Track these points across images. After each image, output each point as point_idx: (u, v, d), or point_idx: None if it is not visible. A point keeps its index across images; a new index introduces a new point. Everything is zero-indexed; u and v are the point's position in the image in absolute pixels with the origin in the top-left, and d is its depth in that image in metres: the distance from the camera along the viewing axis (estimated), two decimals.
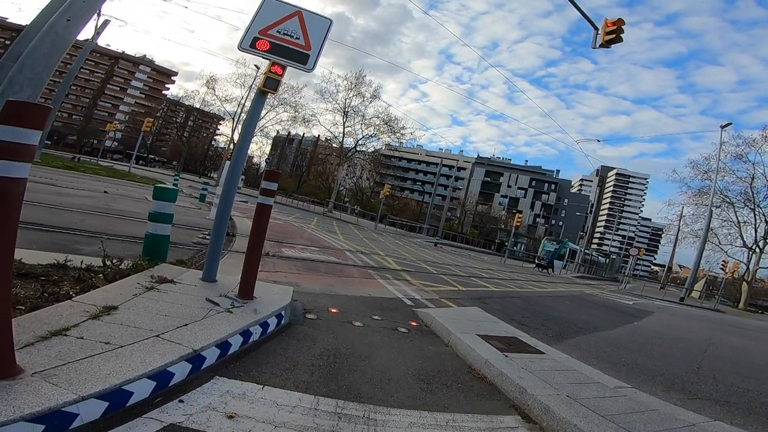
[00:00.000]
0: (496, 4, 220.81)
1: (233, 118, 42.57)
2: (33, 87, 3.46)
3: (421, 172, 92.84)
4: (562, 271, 33.78)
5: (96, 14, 24.12)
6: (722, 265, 29.36)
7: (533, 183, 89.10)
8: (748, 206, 34.16)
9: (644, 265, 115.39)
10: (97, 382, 1.93)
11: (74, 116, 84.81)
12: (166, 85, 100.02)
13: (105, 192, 11.78)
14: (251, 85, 37.33)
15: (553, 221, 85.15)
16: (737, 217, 34.74)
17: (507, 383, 3.23)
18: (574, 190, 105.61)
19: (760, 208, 33.58)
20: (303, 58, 4.14)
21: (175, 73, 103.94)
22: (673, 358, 5.95)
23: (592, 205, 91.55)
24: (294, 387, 2.62)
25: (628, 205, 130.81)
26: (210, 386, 2.42)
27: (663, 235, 50.28)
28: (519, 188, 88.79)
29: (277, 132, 58.49)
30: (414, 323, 4.89)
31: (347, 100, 40.16)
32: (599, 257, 60.76)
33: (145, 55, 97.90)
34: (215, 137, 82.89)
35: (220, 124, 77.62)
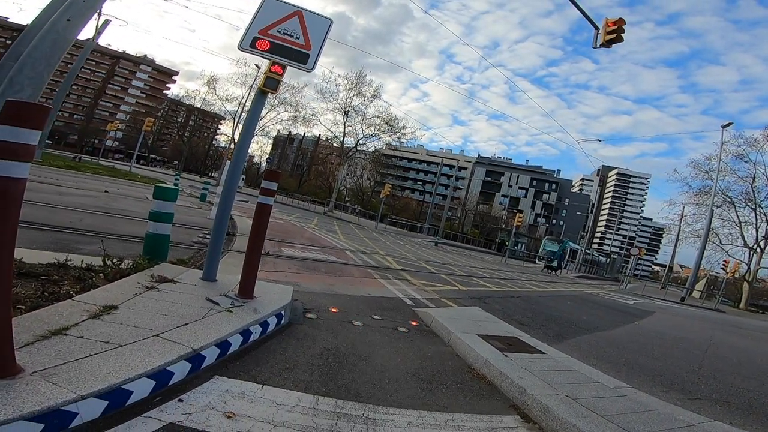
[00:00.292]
0: (497, 4, 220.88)
1: (234, 118, 42.58)
2: (34, 87, 3.47)
3: (421, 171, 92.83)
4: (561, 271, 33.74)
5: (96, 14, 24.15)
6: (723, 265, 29.32)
7: (534, 183, 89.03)
8: (749, 206, 34.11)
9: (645, 265, 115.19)
10: (96, 382, 1.94)
11: (75, 116, 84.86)
12: (167, 85, 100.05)
13: (106, 191, 11.80)
14: (252, 85, 37.31)
15: (554, 221, 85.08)
16: (738, 217, 34.69)
17: (506, 383, 3.23)
18: (575, 190, 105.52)
19: (761, 207, 33.52)
20: (303, 58, 4.15)
21: (176, 73, 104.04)
22: (674, 358, 5.94)
23: (593, 204, 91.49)
24: (293, 386, 2.63)
25: (629, 205, 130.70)
26: (209, 385, 2.43)
27: (664, 235, 50.26)
28: (520, 188, 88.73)
29: (278, 131, 58.55)
30: (414, 323, 4.90)
31: (348, 100, 40.13)
32: (600, 257, 60.77)
33: (146, 55, 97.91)
34: (216, 137, 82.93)
35: (221, 124, 77.65)
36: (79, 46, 27.70)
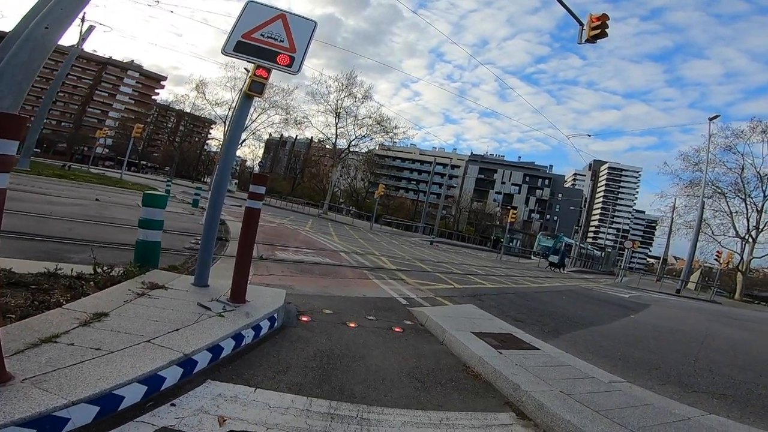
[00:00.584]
0: (485, 2, 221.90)
1: (225, 122, 42.39)
2: (14, 95, 3.42)
3: (415, 171, 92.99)
4: (566, 268, 33.86)
5: (79, 20, 23.97)
6: (717, 255, 29.55)
7: (527, 179, 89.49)
8: (739, 196, 34.48)
9: (639, 258, 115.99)
10: (87, 387, 1.95)
11: (63, 123, 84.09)
12: (156, 90, 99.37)
13: (96, 200, 11.70)
14: (242, 88, 37.15)
15: (548, 216, 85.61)
16: (729, 207, 35.06)
17: (501, 380, 3.24)
18: (567, 185, 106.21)
19: (751, 198, 33.91)
20: (288, 61, 4.13)
21: (164, 78, 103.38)
22: (670, 351, 5.96)
23: (586, 199, 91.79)
24: (287, 389, 2.62)
25: (622, 198, 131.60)
26: (202, 390, 2.42)
27: (657, 227, 50.50)
28: (513, 184, 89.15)
29: (270, 135, 58.42)
30: (409, 322, 4.90)
31: (339, 101, 40.01)
32: (595, 251, 61.07)
33: (132, 60, 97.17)
34: (207, 141, 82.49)
35: (212, 128, 77.34)
36: (64, 52, 27.50)
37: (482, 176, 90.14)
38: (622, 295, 15.45)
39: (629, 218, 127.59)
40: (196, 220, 11.39)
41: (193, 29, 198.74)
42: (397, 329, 4.50)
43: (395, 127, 41.14)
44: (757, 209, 33.60)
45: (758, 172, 33.08)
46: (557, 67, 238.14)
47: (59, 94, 75.40)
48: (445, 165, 66.53)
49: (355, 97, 40.05)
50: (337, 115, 40.11)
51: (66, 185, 15.44)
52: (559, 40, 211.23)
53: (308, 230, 16.83)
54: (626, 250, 36.29)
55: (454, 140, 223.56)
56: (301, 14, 4.32)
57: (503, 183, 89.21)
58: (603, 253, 60.37)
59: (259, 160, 66.72)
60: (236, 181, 57.33)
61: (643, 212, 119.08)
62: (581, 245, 46.18)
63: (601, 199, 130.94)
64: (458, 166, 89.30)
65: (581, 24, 10.65)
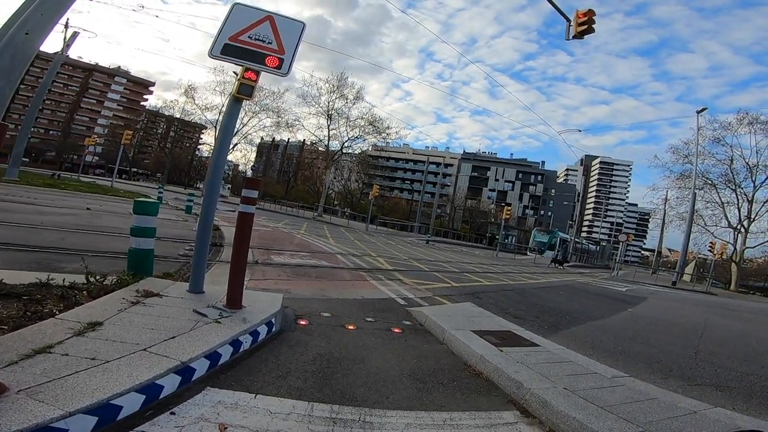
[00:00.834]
0: (472, 0, 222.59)
1: (215, 127, 42.18)
2: None
3: (409, 170, 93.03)
4: (567, 263, 33.99)
5: (63, 27, 23.72)
6: (710, 246, 29.81)
7: (520, 175, 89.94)
8: (729, 187, 34.89)
9: (634, 251, 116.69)
10: (84, 398, 1.92)
11: (51, 131, 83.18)
12: (144, 96, 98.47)
13: (87, 209, 11.55)
14: (231, 92, 36.95)
15: (542, 212, 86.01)
16: (720, 198, 35.45)
17: (503, 378, 3.22)
18: (560, 181, 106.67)
19: (741, 188, 34.32)
20: (277, 63, 4.09)
21: (153, 84, 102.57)
22: (670, 344, 5.97)
23: (579, 194, 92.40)
24: (287, 394, 2.58)
25: (614, 192, 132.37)
26: (201, 397, 2.38)
27: (650, 220, 50.88)
28: (506, 181, 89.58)
29: (262, 138, 58.12)
30: (408, 322, 4.87)
31: (330, 103, 39.92)
32: (590, 245, 61.39)
33: (119, 67, 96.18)
34: (198, 147, 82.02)
35: (203, 133, 76.93)
36: (49, 59, 27.20)
37: (475, 174, 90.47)
38: (619, 289, 15.54)
39: (622, 212, 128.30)
40: (190, 227, 11.29)
41: (180, 34, 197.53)
42: (396, 330, 4.47)
43: (388, 128, 41.12)
44: (747, 199, 34.01)
45: (747, 163, 33.54)
46: (546, 63, 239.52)
47: (46, 101, 74.73)
48: (438, 164, 66.79)
49: (347, 99, 40.03)
50: (329, 117, 40.05)
51: (56, 195, 15.26)
52: (547, 36, 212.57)
53: (303, 233, 16.76)
54: (621, 243, 36.54)
55: (446, 139, 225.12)
56: (289, 16, 4.29)
57: (496, 180, 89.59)
58: (598, 247, 60.70)
59: (252, 164, 66.56)
60: (229, 186, 57.08)
61: (636, 205, 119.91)
62: (576, 240, 46.37)
63: (593, 194, 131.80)
64: (451, 165, 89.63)
65: (568, 20, 10.72)
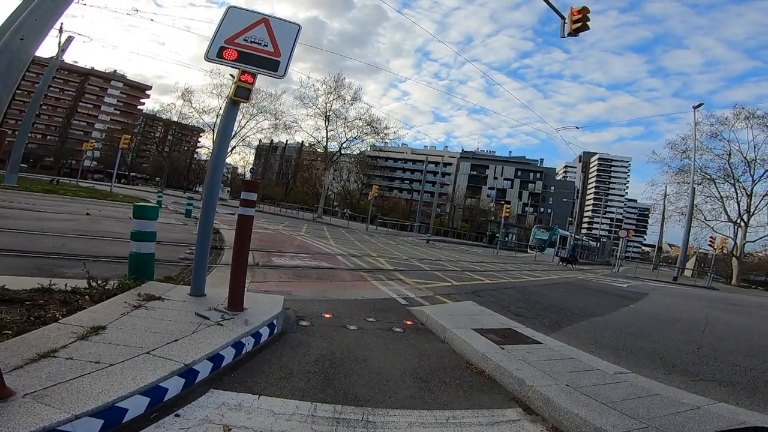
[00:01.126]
0: None
1: (213, 130, 42.15)
2: None
3: (408, 170, 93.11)
4: (554, 258, 34.03)
5: (58, 31, 23.69)
6: (710, 241, 29.84)
7: (519, 173, 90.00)
8: (728, 182, 34.92)
9: (635, 247, 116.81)
10: (89, 401, 1.93)
11: (49, 137, 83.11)
12: (141, 100, 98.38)
13: (87, 214, 11.56)
14: (228, 95, 36.92)
15: (542, 209, 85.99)
16: (719, 193, 35.51)
17: (505, 376, 3.22)
18: (559, 178, 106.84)
19: (740, 182, 34.35)
20: (273, 65, 4.10)
21: (149, 87, 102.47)
22: (672, 340, 5.97)
23: (578, 190, 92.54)
24: (290, 395, 2.59)
25: (613, 188, 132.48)
26: (205, 399, 2.39)
27: (650, 215, 50.91)
28: (505, 179, 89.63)
29: (260, 141, 58.09)
30: (409, 322, 4.88)
31: (328, 104, 39.85)
32: (590, 242, 61.38)
33: (115, 71, 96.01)
34: (197, 150, 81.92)
35: (201, 137, 76.78)
36: (44, 64, 27.20)
37: (474, 173, 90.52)
38: (620, 285, 15.55)
39: (622, 207, 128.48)
40: (190, 230, 11.30)
41: (175, 37, 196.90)
42: (397, 330, 4.48)
43: (386, 128, 41.05)
44: (746, 193, 34.04)
45: (745, 157, 33.58)
46: (542, 61, 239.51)
47: (42, 107, 74.58)
48: (437, 163, 66.70)
49: (344, 100, 39.98)
50: (327, 118, 40.01)
51: (55, 200, 15.27)
52: (542, 34, 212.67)
53: (304, 235, 16.78)
54: (621, 239, 36.55)
55: (444, 138, 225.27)
56: (284, 18, 4.30)
57: (495, 178, 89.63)
58: (598, 244, 60.68)
59: (251, 166, 66.51)
60: (228, 189, 57.03)
61: (635, 201, 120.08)
62: (576, 236, 46.39)
63: (593, 190, 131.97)
64: (450, 164, 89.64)
65: (563, 18, 10.78)
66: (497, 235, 41.92)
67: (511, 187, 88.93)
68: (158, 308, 3.50)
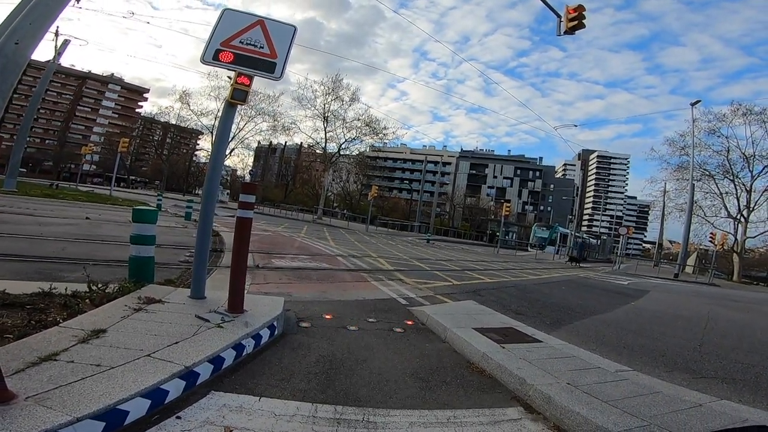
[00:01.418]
0: None
1: (211, 132, 42.17)
2: None
3: (407, 170, 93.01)
4: (555, 256, 34.04)
5: (54, 35, 23.70)
6: (711, 237, 29.84)
7: (518, 172, 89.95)
8: (727, 177, 35.00)
9: (635, 244, 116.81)
10: (91, 404, 1.94)
11: (48, 141, 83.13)
12: (139, 103, 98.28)
13: (87, 218, 11.55)
14: (226, 98, 36.92)
15: (542, 207, 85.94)
16: (719, 189, 35.54)
17: (506, 375, 3.23)
18: (558, 176, 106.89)
19: (739, 178, 34.39)
20: (269, 67, 4.10)
21: (147, 90, 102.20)
22: (674, 337, 5.97)
23: (578, 188, 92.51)
24: (291, 396, 2.60)
25: (613, 186, 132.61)
26: (206, 401, 2.40)
27: (650, 212, 50.96)
28: (505, 178, 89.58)
29: (259, 143, 58.11)
30: (410, 322, 4.89)
31: (326, 105, 39.76)
32: (591, 239, 61.32)
33: (113, 74, 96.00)
34: (196, 153, 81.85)
35: (200, 139, 76.73)
36: (41, 68, 27.20)
37: (474, 172, 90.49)
38: (621, 283, 15.56)
39: (622, 205, 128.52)
40: (190, 233, 11.30)
41: (172, 40, 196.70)
42: (398, 330, 4.49)
43: (384, 128, 40.99)
44: (746, 189, 34.09)
45: (743, 154, 33.62)
46: (539, 60, 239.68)
47: (41, 111, 74.62)
48: (436, 163, 66.73)
49: (342, 100, 39.89)
50: (326, 119, 39.96)
51: (55, 205, 15.26)
52: (539, 33, 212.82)
53: (304, 236, 16.78)
54: (621, 236, 36.55)
55: (443, 137, 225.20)
56: (280, 19, 4.30)
57: (495, 177, 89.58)
58: (599, 241, 60.64)
59: (250, 168, 66.40)
60: (228, 191, 57.04)
61: (635, 198, 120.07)
62: (576, 234, 46.38)
63: (592, 188, 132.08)
64: (449, 163, 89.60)
65: (559, 16, 10.79)
66: (497, 233, 41.85)
67: (511, 186, 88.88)
68: (158, 311, 3.51)
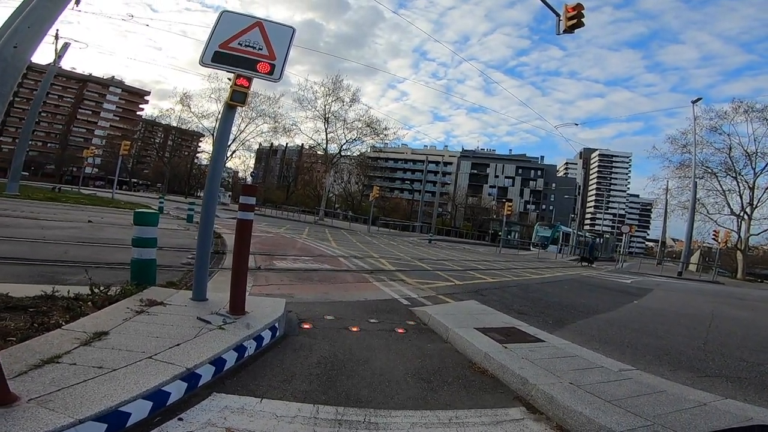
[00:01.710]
0: None
1: (213, 134, 42.21)
2: None
3: (408, 170, 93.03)
4: (557, 255, 33.96)
5: (54, 38, 23.80)
6: (714, 235, 29.72)
7: (520, 171, 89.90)
8: (730, 175, 34.85)
9: (638, 242, 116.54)
10: (93, 405, 1.95)
11: (49, 144, 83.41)
12: (140, 106, 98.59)
13: (89, 221, 11.59)
14: (225, 100, 36.98)
15: (544, 206, 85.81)
16: (721, 186, 35.42)
17: (508, 375, 3.22)
18: (560, 175, 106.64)
19: (741, 175, 34.26)
20: (268, 69, 4.11)
21: (148, 93, 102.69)
22: (678, 336, 5.94)
23: (580, 187, 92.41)
24: (292, 397, 2.60)
25: (615, 184, 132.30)
26: (208, 403, 2.41)
27: (652, 210, 50.86)
28: (506, 177, 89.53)
29: (260, 144, 58.25)
30: (411, 322, 4.88)
31: (327, 106, 39.79)
32: (594, 238, 61.20)
33: (113, 77, 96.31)
34: (197, 155, 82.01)
35: (201, 141, 76.92)
36: (41, 71, 27.29)
37: (475, 171, 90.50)
38: (624, 281, 15.51)
39: (624, 203, 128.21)
40: (192, 236, 11.32)
41: (172, 42, 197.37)
42: (400, 330, 4.48)
43: (385, 129, 40.99)
44: (749, 186, 33.97)
45: (746, 151, 33.50)
46: (539, 59, 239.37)
47: (42, 114, 74.93)
48: (437, 163, 66.71)
49: (343, 101, 39.91)
50: (326, 120, 39.98)
51: (57, 208, 15.32)
52: (538, 32, 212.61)
53: (305, 237, 16.78)
54: (624, 234, 36.45)
55: (444, 137, 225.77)
56: (278, 21, 4.31)
57: (496, 177, 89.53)
58: (601, 240, 60.52)
59: (251, 170, 66.55)
60: (229, 193, 57.12)
61: (638, 196, 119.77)
62: (579, 233, 46.30)
63: (594, 186, 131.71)
64: (450, 163, 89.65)
65: (557, 15, 10.79)
66: (500, 233, 41.80)
67: (513, 185, 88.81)
68: (160, 313, 3.51)
